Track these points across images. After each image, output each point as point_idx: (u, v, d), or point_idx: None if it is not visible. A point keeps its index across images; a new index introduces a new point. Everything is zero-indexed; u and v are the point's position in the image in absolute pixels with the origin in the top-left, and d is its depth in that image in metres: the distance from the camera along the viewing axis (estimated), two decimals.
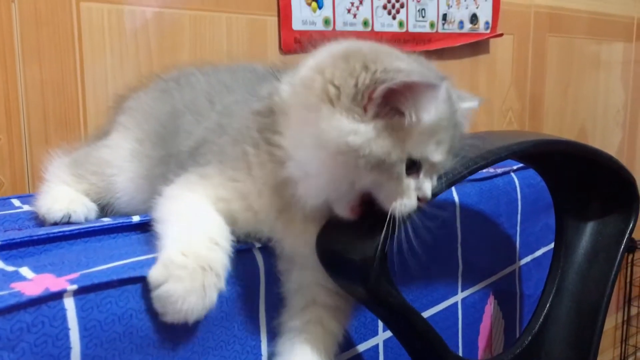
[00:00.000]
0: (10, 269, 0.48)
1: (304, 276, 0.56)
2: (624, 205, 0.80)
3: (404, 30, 1.30)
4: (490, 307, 0.90)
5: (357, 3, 1.21)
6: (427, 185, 0.53)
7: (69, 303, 0.43)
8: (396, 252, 0.52)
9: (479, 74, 1.51)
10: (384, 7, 1.26)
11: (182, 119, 0.64)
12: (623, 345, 2.09)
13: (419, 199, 0.52)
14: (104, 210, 0.68)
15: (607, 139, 1.99)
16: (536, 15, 1.63)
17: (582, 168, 0.77)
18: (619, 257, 0.80)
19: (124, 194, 0.66)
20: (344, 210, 0.52)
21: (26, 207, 0.68)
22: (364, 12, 1.22)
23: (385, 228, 0.50)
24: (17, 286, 0.43)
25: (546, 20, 1.66)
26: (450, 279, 0.82)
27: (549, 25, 1.67)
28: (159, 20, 0.95)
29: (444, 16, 1.37)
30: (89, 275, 0.46)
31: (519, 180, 0.93)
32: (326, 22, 1.17)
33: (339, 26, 1.18)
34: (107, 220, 0.62)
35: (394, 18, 1.28)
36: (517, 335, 0.98)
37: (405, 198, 0.51)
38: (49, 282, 0.44)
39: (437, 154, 0.52)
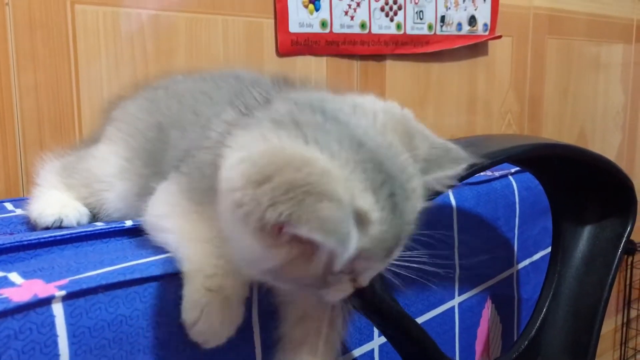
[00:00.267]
0: None
1: (291, 290, 0.56)
2: (622, 209, 0.79)
3: (401, 32, 1.30)
4: (487, 311, 0.90)
5: (354, 5, 1.21)
6: (365, 277, 0.46)
7: (58, 309, 0.43)
8: None
9: (477, 76, 1.50)
10: (382, 9, 1.25)
11: (169, 135, 0.62)
12: (623, 348, 2.08)
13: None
14: (95, 216, 0.67)
15: (607, 141, 1.98)
16: (535, 17, 1.62)
17: (580, 172, 0.77)
18: (616, 261, 0.80)
19: (115, 211, 0.65)
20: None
21: (19, 211, 0.68)
22: (362, 14, 1.22)
23: None
24: (5, 292, 0.43)
25: (545, 22, 1.66)
26: (447, 283, 0.82)
27: (548, 27, 1.67)
28: (155, 23, 0.95)
29: (442, 18, 1.37)
30: (78, 281, 0.45)
31: (517, 183, 0.93)
32: (323, 24, 1.16)
33: (336, 28, 1.18)
34: (99, 225, 0.61)
35: (391, 20, 1.27)
36: (515, 340, 0.97)
37: (335, 290, 0.46)
38: (37, 288, 0.44)
39: (370, 265, 0.45)
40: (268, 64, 1.09)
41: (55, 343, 0.43)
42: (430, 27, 1.35)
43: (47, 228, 0.61)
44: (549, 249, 1.00)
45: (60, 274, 0.47)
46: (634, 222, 0.80)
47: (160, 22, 0.96)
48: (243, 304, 0.49)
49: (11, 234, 0.61)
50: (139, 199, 0.62)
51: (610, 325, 2.05)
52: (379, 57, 1.28)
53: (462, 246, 0.83)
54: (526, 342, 0.77)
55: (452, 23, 1.39)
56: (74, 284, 0.45)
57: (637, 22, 1.99)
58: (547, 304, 0.79)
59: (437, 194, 0.50)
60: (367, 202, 0.41)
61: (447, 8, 1.37)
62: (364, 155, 0.43)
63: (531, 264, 0.99)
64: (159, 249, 0.53)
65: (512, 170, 0.94)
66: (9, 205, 0.70)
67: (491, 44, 1.51)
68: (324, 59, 1.18)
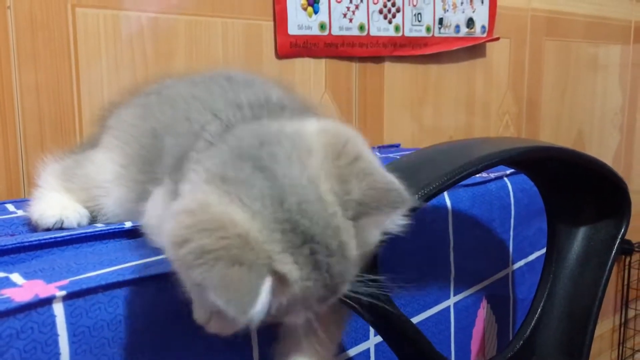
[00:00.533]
0: (0, 275, 0.48)
1: None
2: (616, 210, 0.80)
3: (400, 34, 1.31)
4: (483, 311, 0.91)
5: (353, 8, 1.22)
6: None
7: (58, 309, 0.44)
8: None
9: (475, 77, 1.51)
10: (380, 12, 1.26)
11: (163, 141, 0.63)
12: (620, 348, 2.09)
13: None
14: (95, 220, 0.68)
15: (605, 143, 1.99)
16: (533, 19, 1.63)
17: (574, 174, 0.77)
18: (610, 262, 0.81)
19: (113, 216, 0.65)
20: None
21: (20, 212, 0.68)
22: (360, 16, 1.23)
23: None
24: (6, 292, 0.44)
25: (543, 24, 1.67)
26: (443, 283, 0.83)
27: (546, 28, 1.68)
28: (155, 25, 0.96)
29: (440, 20, 1.38)
30: (78, 281, 0.46)
31: (512, 184, 0.94)
32: (322, 26, 1.17)
33: (335, 31, 1.19)
34: (99, 226, 0.62)
35: (390, 22, 1.28)
36: (510, 339, 0.98)
37: (293, 319, 0.47)
38: (38, 289, 0.44)
39: (306, 309, 0.45)
40: (267, 66, 1.10)
41: (56, 342, 0.43)
42: (428, 29, 1.36)
43: (48, 229, 0.62)
44: (544, 250, 1.01)
45: (61, 275, 0.48)
46: (627, 224, 0.80)
47: (160, 24, 0.97)
48: None
49: (12, 235, 0.62)
50: (136, 204, 0.63)
51: (608, 325, 2.06)
52: (378, 59, 1.29)
53: (458, 247, 0.84)
54: (521, 342, 0.77)
55: (450, 25, 1.40)
56: (74, 285, 0.45)
57: (635, 24, 2.00)
58: (541, 304, 0.80)
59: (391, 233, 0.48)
60: (284, 263, 0.42)
61: (445, 10, 1.38)
62: (286, 214, 0.43)
63: (526, 264, 1.00)
64: (158, 250, 0.54)
65: (508, 172, 0.95)
66: (10, 207, 0.71)
67: (489, 45, 1.52)
68: (323, 61, 1.19)
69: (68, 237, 0.56)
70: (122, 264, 0.51)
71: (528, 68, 1.66)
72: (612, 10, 1.89)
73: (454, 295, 0.84)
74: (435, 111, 1.44)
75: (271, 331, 0.58)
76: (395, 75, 1.33)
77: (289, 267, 0.42)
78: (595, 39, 1.86)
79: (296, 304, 0.44)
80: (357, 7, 1.22)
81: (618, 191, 0.79)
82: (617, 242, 0.80)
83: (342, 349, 0.68)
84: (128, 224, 0.61)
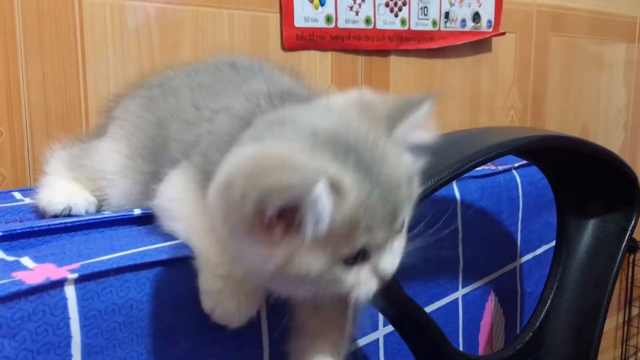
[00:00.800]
0: (10, 258, 0.48)
1: None
2: (626, 203, 0.80)
3: (406, 28, 1.30)
4: (491, 303, 0.90)
5: (359, 1, 1.21)
6: (385, 262, 0.45)
7: (70, 292, 0.43)
8: None
9: (481, 72, 1.51)
10: (387, 5, 1.26)
11: (169, 129, 0.62)
12: (624, 346, 2.09)
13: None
14: (101, 208, 0.68)
15: (609, 140, 1.99)
16: (539, 14, 1.63)
17: (585, 165, 0.77)
18: (620, 255, 0.80)
19: (118, 207, 0.65)
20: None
21: (27, 200, 0.68)
22: (366, 9, 1.22)
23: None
24: (18, 275, 0.43)
25: (549, 20, 1.66)
26: (451, 275, 0.82)
27: (552, 24, 1.67)
28: (161, 16, 0.95)
29: (447, 14, 1.37)
30: (89, 265, 0.46)
31: (520, 177, 0.93)
32: (328, 19, 1.17)
33: (341, 24, 1.19)
34: (107, 213, 0.62)
35: (396, 16, 1.28)
36: (517, 332, 0.98)
37: (358, 288, 0.45)
38: (49, 272, 0.44)
39: (374, 237, 0.44)
40: (273, 58, 1.09)
41: (68, 325, 0.43)
42: (434, 23, 1.35)
43: (55, 216, 0.61)
44: (552, 244, 1.00)
45: (72, 259, 0.47)
46: (638, 216, 0.80)
47: (167, 15, 0.96)
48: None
49: (21, 221, 0.61)
50: (141, 196, 0.63)
51: (611, 323, 2.05)
52: (383, 53, 1.29)
53: (466, 239, 0.83)
54: (530, 334, 0.77)
55: (457, 19, 1.40)
56: (85, 268, 0.45)
57: None
58: (551, 296, 0.80)
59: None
60: (334, 168, 0.41)
61: (452, 4, 1.38)
62: (322, 138, 0.44)
63: (534, 258, 0.99)
64: (168, 236, 0.54)
65: (516, 165, 0.94)
66: (17, 195, 0.71)
67: (495, 40, 1.51)
68: (329, 53, 1.19)
69: (77, 223, 0.56)
70: (133, 249, 0.51)
71: (534, 63, 1.65)
72: (617, 6, 1.89)
73: (463, 287, 0.84)
74: (440, 106, 1.43)
75: (283, 328, 0.57)
76: (401, 69, 1.32)
77: (340, 171, 0.41)
78: (600, 35, 1.85)
79: (363, 225, 0.42)
80: (363, 0, 1.22)
81: (629, 183, 0.78)
82: (628, 234, 0.80)
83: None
84: (137, 211, 0.61)
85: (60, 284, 0.43)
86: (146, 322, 0.48)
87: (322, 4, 1.15)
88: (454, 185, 0.81)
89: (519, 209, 0.93)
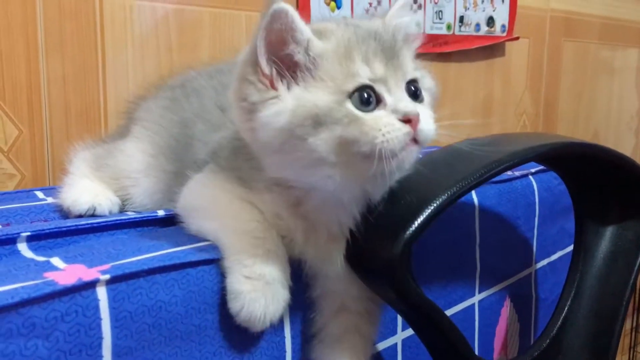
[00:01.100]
0: (41, 258, 0.48)
1: (329, 283, 0.56)
2: None
3: (420, 31, 1.30)
4: (506, 309, 0.90)
5: (375, 4, 1.21)
6: (402, 103, 0.48)
7: (102, 293, 0.44)
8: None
9: (494, 77, 1.51)
10: None
11: (194, 129, 0.63)
12: (631, 352, 2.08)
13: (404, 122, 0.47)
14: (123, 208, 0.68)
15: (620, 145, 1.98)
16: (552, 19, 1.63)
17: (604, 172, 0.77)
18: (638, 262, 0.80)
19: (141, 206, 0.66)
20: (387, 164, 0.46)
21: (50, 200, 0.68)
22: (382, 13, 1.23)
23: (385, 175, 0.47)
24: (50, 275, 0.43)
25: (562, 25, 1.66)
26: (468, 280, 0.82)
27: (565, 29, 1.67)
28: (180, 16, 0.96)
29: (461, 18, 1.37)
30: (120, 266, 0.46)
31: (537, 183, 0.93)
32: None
33: None
34: (131, 214, 0.62)
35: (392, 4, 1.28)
36: (532, 338, 0.98)
37: (385, 129, 0.46)
38: (81, 272, 0.44)
39: (373, 70, 0.48)
40: None
41: (99, 326, 0.43)
42: (449, 27, 1.35)
43: (80, 216, 0.62)
44: (567, 250, 1.00)
45: (101, 260, 0.47)
46: None
47: (185, 16, 0.96)
48: (285, 289, 0.50)
49: (45, 220, 0.61)
50: (163, 195, 0.63)
51: None
52: None
53: (483, 244, 0.83)
54: (547, 341, 0.77)
55: (471, 24, 1.39)
56: (116, 269, 0.45)
57: None
58: (568, 303, 0.79)
59: None
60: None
61: (466, 8, 1.38)
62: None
63: (549, 264, 0.99)
64: (194, 238, 0.54)
65: (533, 170, 0.94)
66: (39, 194, 0.71)
67: (508, 45, 1.51)
68: None
69: (104, 224, 0.56)
70: (160, 251, 0.51)
71: (546, 68, 1.65)
72: (630, 12, 1.88)
73: (479, 292, 0.84)
74: (452, 110, 1.43)
75: (303, 324, 0.58)
76: None
77: (325, 24, 0.51)
78: (612, 41, 1.85)
79: (351, 58, 0.47)
80: (379, 2, 1.22)
81: None
82: None
83: None
84: (161, 213, 0.61)
85: (92, 285, 0.43)
86: (174, 323, 0.48)
87: (338, 7, 1.15)
88: (473, 190, 0.81)
89: (535, 215, 0.93)
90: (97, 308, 0.43)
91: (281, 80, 0.47)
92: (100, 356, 0.43)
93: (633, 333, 2.07)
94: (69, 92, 0.86)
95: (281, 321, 0.56)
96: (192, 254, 0.51)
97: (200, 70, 0.73)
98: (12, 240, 0.50)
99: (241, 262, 0.49)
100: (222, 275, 0.50)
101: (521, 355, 0.80)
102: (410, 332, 0.71)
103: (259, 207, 0.52)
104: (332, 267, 0.54)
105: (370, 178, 0.48)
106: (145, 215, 0.60)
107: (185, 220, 0.55)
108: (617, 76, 1.91)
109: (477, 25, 1.41)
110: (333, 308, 0.56)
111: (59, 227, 0.53)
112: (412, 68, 0.51)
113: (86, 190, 0.63)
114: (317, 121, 0.46)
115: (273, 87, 0.47)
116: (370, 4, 1.21)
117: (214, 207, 0.53)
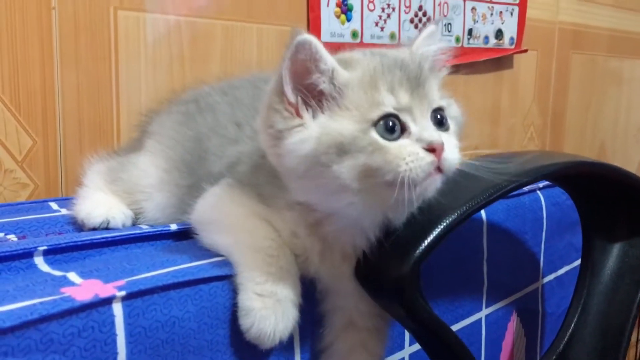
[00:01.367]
0: (57, 273, 0.49)
1: (338, 299, 0.57)
2: None
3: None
4: (512, 324, 0.91)
5: (384, 17, 1.22)
6: (427, 132, 0.48)
7: (117, 309, 0.44)
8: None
9: (502, 89, 1.51)
10: (411, 21, 1.27)
11: (208, 143, 0.64)
12: None
13: (428, 151, 0.47)
14: (136, 221, 0.69)
15: (627, 157, 1.98)
16: (560, 31, 1.63)
17: (612, 189, 0.77)
18: None
19: (153, 221, 0.67)
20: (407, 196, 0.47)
21: (64, 211, 0.69)
22: (391, 25, 1.24)
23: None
24: (67, 291, 0.44)
25: (570, 37, 1.66)
26: (475, 295, 0.83)
27: (573, 41, 1.68)
28: (192, 29, 0.97)
29: (470, 31, 1.38)
30: (135, 282, 0.47)
31: (544, 198, 0.93)
32: (354, 34, 1.18)
33: (367, 39, 1.20)
34: (145, 228, 0.63)
35: (420, 32, 1.29)
36: (538, 353, 0.98)
37: (409, 158, 0.47)
38: (97, 288, 0.45)
39: (399, 99, 0.48)
40: None
41: (114, 342, 0.44)
42: (457, 39, 1.36)
43: (94, 229, 0.63)
44: (574, 264, 1.00)
45: (116, 275, 0.48)
46: None
47: (197, 29, 0.98)
48: (295, 308, 0.50)
49: (60, 233, 0.62)
50: (175, 210, 0.64)
51: None
52: None
53: (491, 259, 0.83)
54: (554, 357, 0.77)
55: (479, 36, 1.40)
56: (131, 285, 0.46)
57: None
58: (575, 319, 0.80)
59: None
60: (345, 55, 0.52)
61: (475, 21, 1.39)
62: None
63: (556, 278, 0.99)
64: (207, 253, 0.55)
65: (540, 185, 0.94)
66: (53, 205, 0.72)
67: (516, 57, 1.52)
68: None
69: (118, 238, 0.57)
70: (173, 266, 0.52)
71: (554, 80, 1.65)
72: (637, 24, 1.89)
73: (486, 307, 0.84)
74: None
75: (313, 340, 0.58)
76: None
77: (350, 55, 0.52)
78: (620, 53, 1.85)
79: (377, 87, 0.48)
80: (389, 15, 1.23)
81: None
82: None
83: None
84: (173, 226, 0.62)
85: (108, 301, 0.44)
86: (187, 339, 0.49)
87: (348, 20, 1.17)
88: None
89: (542, 230, 0.94)
90: (112, 324, 0.44)
91: (307, 109, 0.48)
92: None
93: (638, 344, 2.06)
94: (82, 103, 0.87)
95: (291, 338, 0.57)
96: (205, 270, 0.51)
97: (213, 85, 0.74)
98: (29, 254, 0.51)
99: (253, 279, 0.50)
100: (234, 292, 0.51)
101: None
102: (417, 347, 0.71)
103: (275, 225, 0.53)
104: (342, 284, 0.55)
105: (393, 205, 0.49)
106: (159, 229, 0.61)
107: (199, 232, 0.56)
108: (624, 88, 1.91)
109: (486, 37, 1.42)
110: (341, 324, 0.57)
111: (75, 241, 0.54)
112: (438, 97, 0.52)
113: (100, 204, 0.64)
114: (342, 149, 0.47)
115: (298, 115, 0.48)
116: (380, 17, 1.22)
117: (228, 222, 0.54)
